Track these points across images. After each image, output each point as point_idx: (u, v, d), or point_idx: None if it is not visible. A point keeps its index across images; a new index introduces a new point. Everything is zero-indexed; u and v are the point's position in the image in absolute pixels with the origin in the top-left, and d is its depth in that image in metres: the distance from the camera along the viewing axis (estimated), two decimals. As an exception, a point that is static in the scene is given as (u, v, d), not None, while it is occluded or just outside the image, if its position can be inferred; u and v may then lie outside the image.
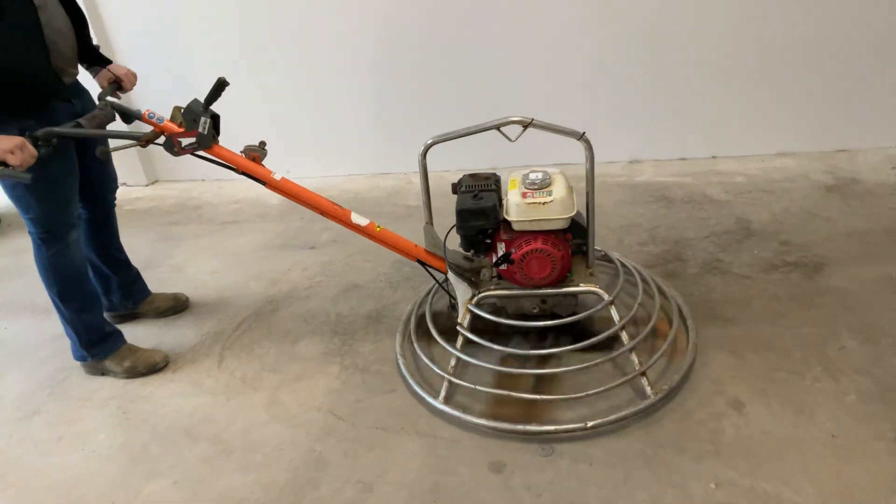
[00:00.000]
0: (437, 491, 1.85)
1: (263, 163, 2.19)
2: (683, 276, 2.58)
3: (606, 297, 2.12)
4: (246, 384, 2.34)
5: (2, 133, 1.92)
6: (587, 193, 2.09)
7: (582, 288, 2.15)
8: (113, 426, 2.24)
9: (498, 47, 3.34)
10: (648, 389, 2.01)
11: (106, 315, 2.59)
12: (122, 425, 2.24)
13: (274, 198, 3.66)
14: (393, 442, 2.03)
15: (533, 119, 1.96)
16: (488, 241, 2.19)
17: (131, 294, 2.76)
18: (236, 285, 2.96)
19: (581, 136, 1.97)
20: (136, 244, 3.40)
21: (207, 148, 2.14)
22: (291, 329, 2.59)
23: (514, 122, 1.98)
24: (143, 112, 2.17)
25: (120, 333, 2.52)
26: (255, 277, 2.99)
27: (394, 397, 2.19)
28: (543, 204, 2.04)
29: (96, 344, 2.44)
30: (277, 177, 2.18)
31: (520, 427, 1.97)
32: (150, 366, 2.46)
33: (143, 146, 2.15)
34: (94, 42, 2.40)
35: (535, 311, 2.22)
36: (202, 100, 2.08)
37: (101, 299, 2.57)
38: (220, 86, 2.02)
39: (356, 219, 2.21)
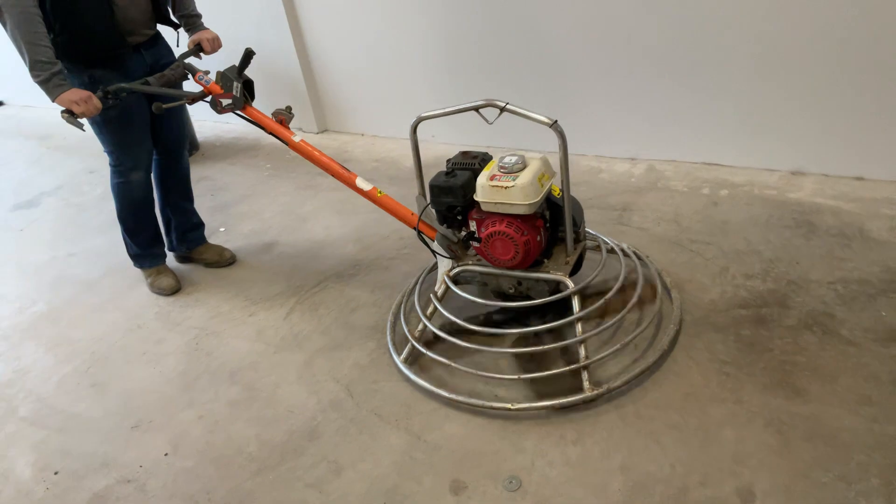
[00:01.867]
0: (392, 493, 1.85)
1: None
2: (774, 325, 2.16)
3: (571, 286, 2.12)
4: (295, 341, 2.51)
5: (71, 79, 2.30)
6: (561, 182, 2.08)
7: (546, 275, 2.17)
8: (184, 353, 2.56)
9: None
10: (585, 384, 2.02)
11: (169, 253, 3.10)
12: (190, 354, 2.55)
13: (409, 161, 3.75)
14: (381, 432, 2.05)
15: (507, 104, 1.99)
16: (459, 217, 2.22)
17: (185, 240, 3.09)
18: (336, 243, 3.13)
19: (552, 125, 1.94)
20: (282, 189, 3.76)
21: (241, 109, 2.43)
22: (357, 297, 2.69)
23: (490, 106, 2.03)
24: (195, 74, 2.45)
25: (154, 257, 2.99)
26: (356, 240, 3.13)
27: (405, 387, 2.20)
28: (505, 188, 2.04)
29: (134, 258, 2.99)
30: (297, 139, 2.40)
31: (443, 393, 2.11)
32: (159, 289, 2.96)
33: (190, 104, 2.43)
34: (194, 11, 2.68)
35: (511, 291, 2.26)
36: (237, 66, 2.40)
37: (150, 230, 2.95)
38: (247, 56, 2.36)
39: (360, 183, 2.36)
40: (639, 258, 2.49)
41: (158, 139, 2.79)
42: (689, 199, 2.94)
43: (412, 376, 2.20)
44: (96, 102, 2.27)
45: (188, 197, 3.06)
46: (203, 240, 3.17)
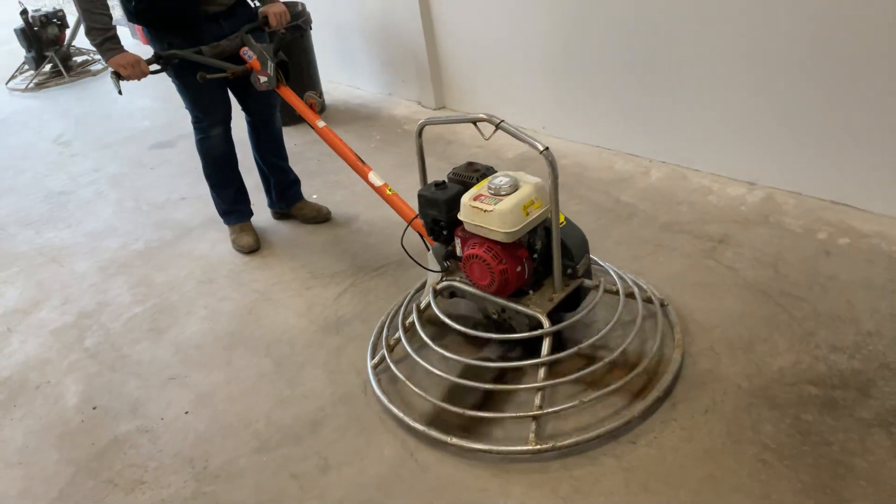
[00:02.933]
0: (365, 506, 1.80)
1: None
2: (844, 414, 1.81)
3: (545, 326, 1.99)
4: (336, 325, 2.51)
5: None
6: (550, 213, 1.94)
7: (525, 309, 2.05)
8: (238, 315, 2.66)
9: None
10: (531, 435, 1.87)
11: (269, 209, 3.26)
12: (242, 318, 2.64)
13: (510, 152, 3.58)
14: (378, 439, 2.00)
15: (501, 121, 1.92)
16: (445, 232, 2.14)
17: (284, 197, 3.21)
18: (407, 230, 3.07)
19: (542, 151, 1.84)
20: (383, 162, 3.75)
21: (275, 87, 2.55)
22: (409, 289, 2.63)
23: (484, 121, 1.97)
24: (241, 49, 2.58)
25: (239, 214, 3.12)
26: (430, 227, 3.06)
27: (417, 398, 2.11)
28: (485, 211, 1.93)
29: (221, 214, 3.13)
30: (321, 124, 2.50)
31: (396, 411, 2.05)
32: (239, 247, 3.08)
33: (231, 77, 2.52)
34: None
35: (495, 316, 2.19)
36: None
37: (234, 187, 3.07)
38: (281, 38, 2.58)
39: (373, 177, 2.40)
40: (662, 304, 2.26)
41: (247, 104, 2.88)
42: (799, 241, 2.54)
43: (374, 385, 2.15)
44: (143, 67, 2.44)
45: (282, 156, 3.16)
46: (300, 196, 3.28)
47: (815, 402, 1.88)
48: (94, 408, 2.30)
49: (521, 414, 1.92)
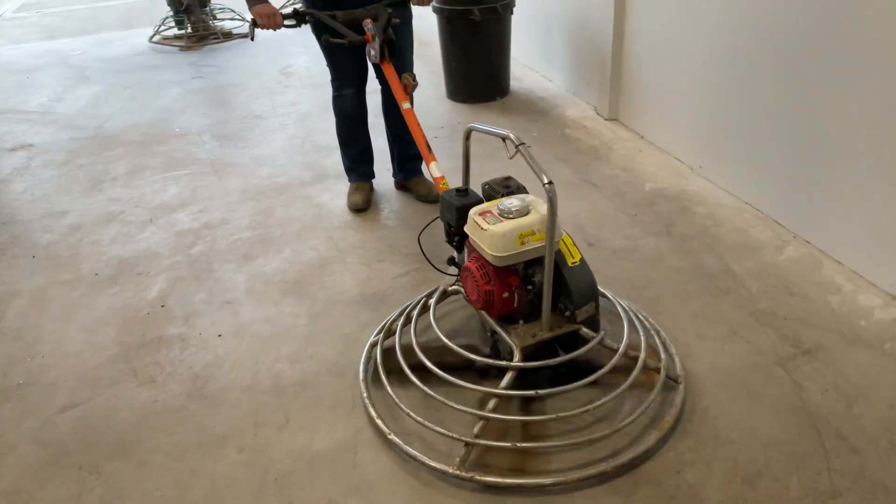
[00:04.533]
0: (286, 481, 1.89)
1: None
2: None
3: (515, 359, 1.96)
4: (378, 302, 2.58)
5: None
6: (547, 247, 1.85)
7: (505, 336, 2.02)
8: (311, 268, 2.86)
9: None
10: (457, 459, 1.85)
11: (393, 179, 3.43)
12: (313, 270, 2.84)
13: (650, 183, 3.30)
14: (340, 419, 2.07)
15: (522, 143, 1.86)
16: (456, 238, 2.18)
17: (404, 169, 3.33)
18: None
19: (546, 184, 1.77)
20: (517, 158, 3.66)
21: (379, 62, 2.68)
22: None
23: (510, 139, 1.89)
24: (364, 20, 2.69)
25: (359, 174, 3.31)
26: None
27: (406, 391, 2.11)
28: (482, 229, 1.93)
29: (345, 170, 3.38)
30: (406, 106, 2.60)
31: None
32: (349, 204, 3.27)
33: (347, 45, 2.67)
34: None
35: (489, 334, 2.19)
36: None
37: (359, 147, 3.25)
38: (389, 18, 2.66)
39: (433, 168, 2.44)
40: (674, 381, 2.05)
41: (379, 74, 3.00)
42: (906, 382, 2.06)
43: (361, 366, 2.21)
44: (278, 20, 2.69)
45: (406, 130, 3.24)
46: (419, 172, 3.37)
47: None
48: (162, 306, 2.66)
49: (455, 436, 1.88)
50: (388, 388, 2.07)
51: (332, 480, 1.87)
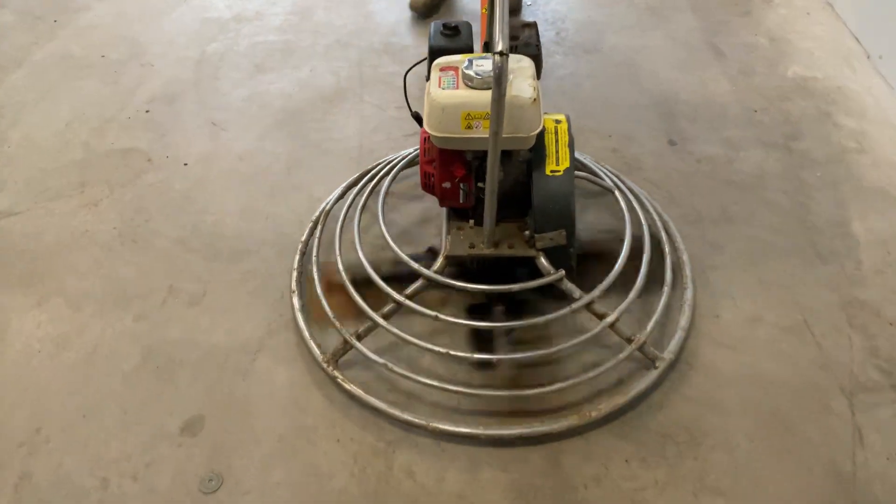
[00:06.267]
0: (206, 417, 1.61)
1: None
2: None
3: (436, 265, 1.55)
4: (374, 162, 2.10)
5: None
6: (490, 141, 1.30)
7: (443, 233, 1.63)
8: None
9: None
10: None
11: None
12: (341, 78, 2.42)
13: (790, 66, 2.36)
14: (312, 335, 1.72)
15: None
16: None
17: None
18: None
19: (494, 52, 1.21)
20: None
21: None
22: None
23: None
24: None
25: None
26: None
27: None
28: (428, 92, 1.42)
29: None
30: None
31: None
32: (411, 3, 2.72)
33: None
34: None
35: None
36: None
37: None
38: None
39: None
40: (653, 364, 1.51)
41: None
42: None
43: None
44: None
45: None
46: None
47: None
48: (146, 111, 2.31)
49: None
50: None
51: (209, 390, 1.56)
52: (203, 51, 2.59)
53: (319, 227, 1.83)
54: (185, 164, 2.13)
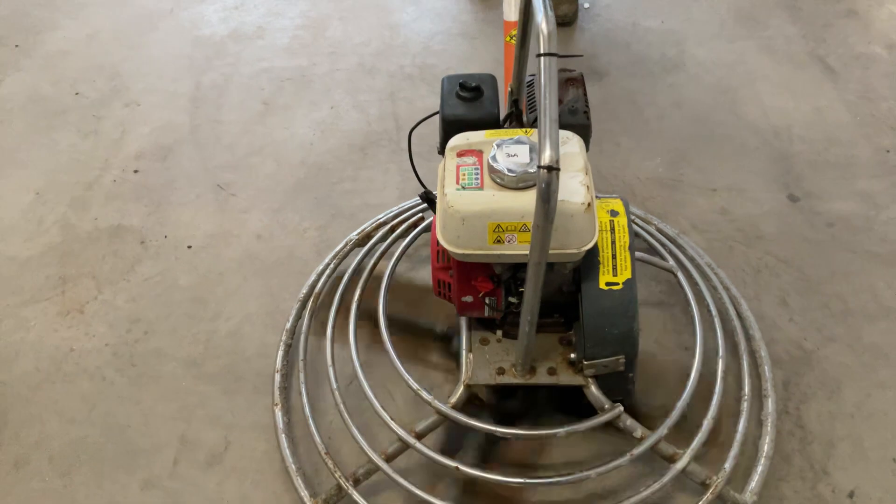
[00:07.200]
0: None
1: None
2: None
3: (452, 400, 1.23)
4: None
5: None
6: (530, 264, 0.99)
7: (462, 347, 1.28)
8: (369, 112, 1.93)
9: None
10: None
11: None
12: (371, 117, 1.92)
13: None
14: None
15: None
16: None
17: None
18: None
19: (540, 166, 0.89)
20: None
21: None
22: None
23: None
24: None
25: None
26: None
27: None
28: (443, 189, 1.08)
29: None
30: None
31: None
32: None
33: None
34: None
35: None
36: None
37: None
38: None
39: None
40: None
41: None
42: None
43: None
44: None
45: None
46: None
47: None
48: (135, 171, 1.87)
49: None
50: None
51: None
52: (198, 83, 2.14)
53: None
54: (189, 248, 1.71)
